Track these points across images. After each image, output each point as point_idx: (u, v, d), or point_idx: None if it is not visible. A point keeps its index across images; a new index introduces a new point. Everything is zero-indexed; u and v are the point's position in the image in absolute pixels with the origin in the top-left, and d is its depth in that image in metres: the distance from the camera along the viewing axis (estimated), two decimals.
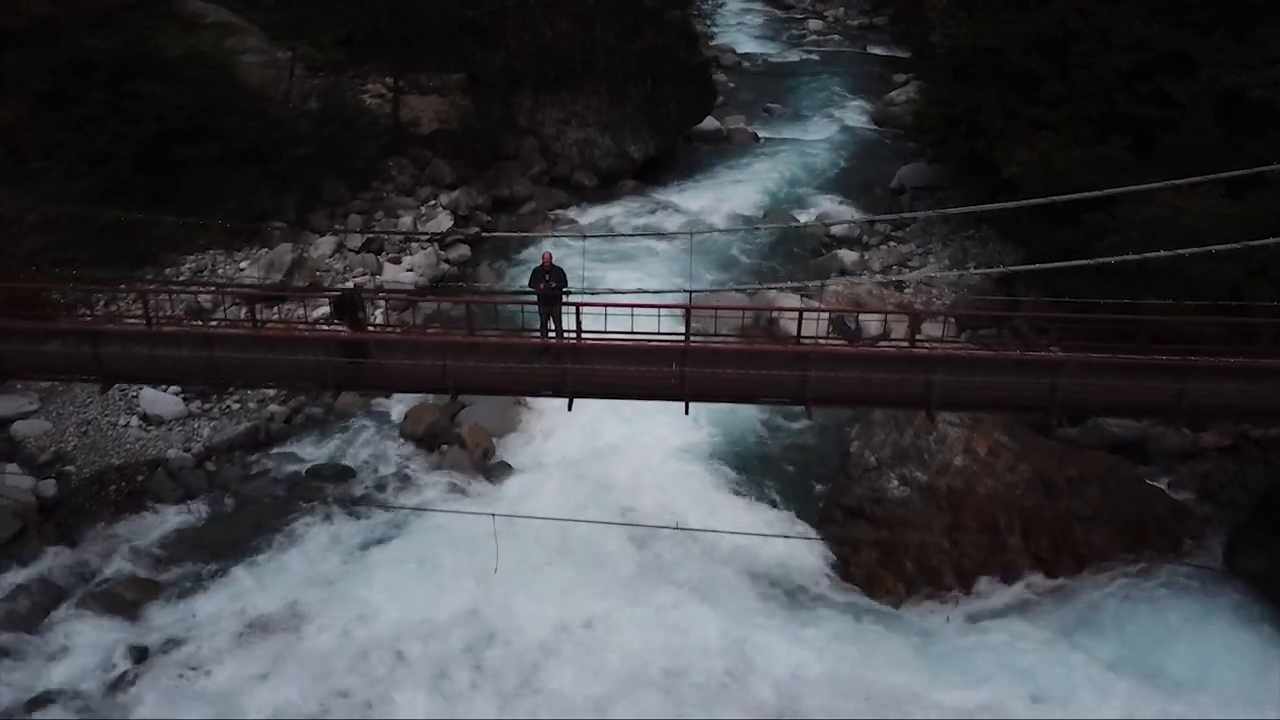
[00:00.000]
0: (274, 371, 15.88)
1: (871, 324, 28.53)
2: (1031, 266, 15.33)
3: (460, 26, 36.85)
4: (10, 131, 28.50)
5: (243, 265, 29.67)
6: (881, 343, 27.60)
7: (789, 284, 26.92)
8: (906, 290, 31.46)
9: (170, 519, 21.02)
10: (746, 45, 64.58)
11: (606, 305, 16.32)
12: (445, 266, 32.23)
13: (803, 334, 16.51)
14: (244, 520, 21.02)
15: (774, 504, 22.17)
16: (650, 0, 38.95)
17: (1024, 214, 28.09)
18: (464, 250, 33.39)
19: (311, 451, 23.20)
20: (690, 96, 41.21)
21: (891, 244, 34.80)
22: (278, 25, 39.25)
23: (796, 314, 16.05)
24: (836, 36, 66.98)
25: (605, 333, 16.65)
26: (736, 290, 28.35)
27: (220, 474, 22.41)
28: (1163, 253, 14.15)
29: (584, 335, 16.46)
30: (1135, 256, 14.40)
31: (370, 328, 16.79)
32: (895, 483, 20.94)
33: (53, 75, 28.34)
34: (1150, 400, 14.76)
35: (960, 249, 33.14)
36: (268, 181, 31.75)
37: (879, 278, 32.34)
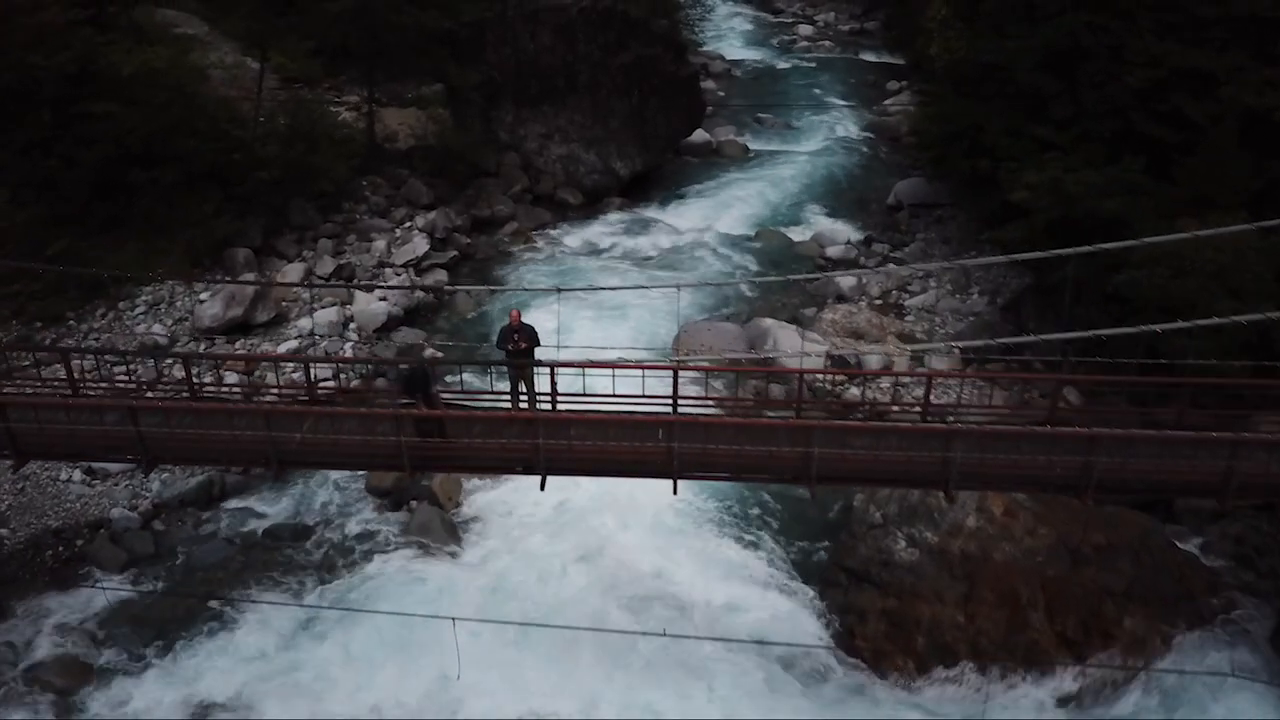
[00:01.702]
0: (210, 448, 14.09)
1: (873, 357, 26.98)
2: (1068, 336, 13.49)
3: (435, 39, 35.06)
4: None
5: (202, 297, 27.81)
6: (884, 378, 26.14)
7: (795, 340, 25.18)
8: (907, 318, 29.84)
9: (112, 590, 19.13)
10: (736, 51, 62.89)
11: (584, 366, 14.60)
12: (421, 295, 30.42)
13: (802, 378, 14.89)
14: (191, 590, 19.17)
15: (772, 562, 20.46)
16: (636, 11, 37.20)
17: (1033, 237, 26.63)
18: (440, 275, 31.58)
19: (269, 507, 21.41)
20: (678, 109, 39.50)
21: (890, 266, 33.15)
22: (249, 35, 37.54)
23: (796, 375, 14.28)
24: (827, 42, 65.38)
25: (583, 396, 14.95)
26: (730, 349, 26.61)
27: (169, 535, 20.61)
28: (1216, 320, 12.51)
29: (559, 400, 14.74)
30: (1185, 324, 12.76)
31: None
32: (903, 544, 19.26)
33: None
34: (1195, 479, 13.15)
35: (962, 272, 31.48)
36: (231, 205, 29.89)
37: (879, 301, 30.80)
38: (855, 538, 19.99)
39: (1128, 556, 17.63)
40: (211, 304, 27.08)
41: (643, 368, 14.34)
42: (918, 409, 15.07)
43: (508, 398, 15.05)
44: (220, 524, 20.97)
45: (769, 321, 28.79)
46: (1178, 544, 18.99)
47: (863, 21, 68.99)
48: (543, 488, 13.88)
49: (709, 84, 53.22)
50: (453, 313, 30.35)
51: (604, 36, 36.49)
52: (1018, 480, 13.44)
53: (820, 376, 26.07)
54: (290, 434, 13.77)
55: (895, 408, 16.15)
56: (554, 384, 14.41)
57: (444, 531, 20.25)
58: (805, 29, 68.75)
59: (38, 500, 20.78)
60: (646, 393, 14.86)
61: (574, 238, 35.35)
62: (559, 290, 14.35)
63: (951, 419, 16.34)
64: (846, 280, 31.74)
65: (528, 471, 13.87)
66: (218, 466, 19.49)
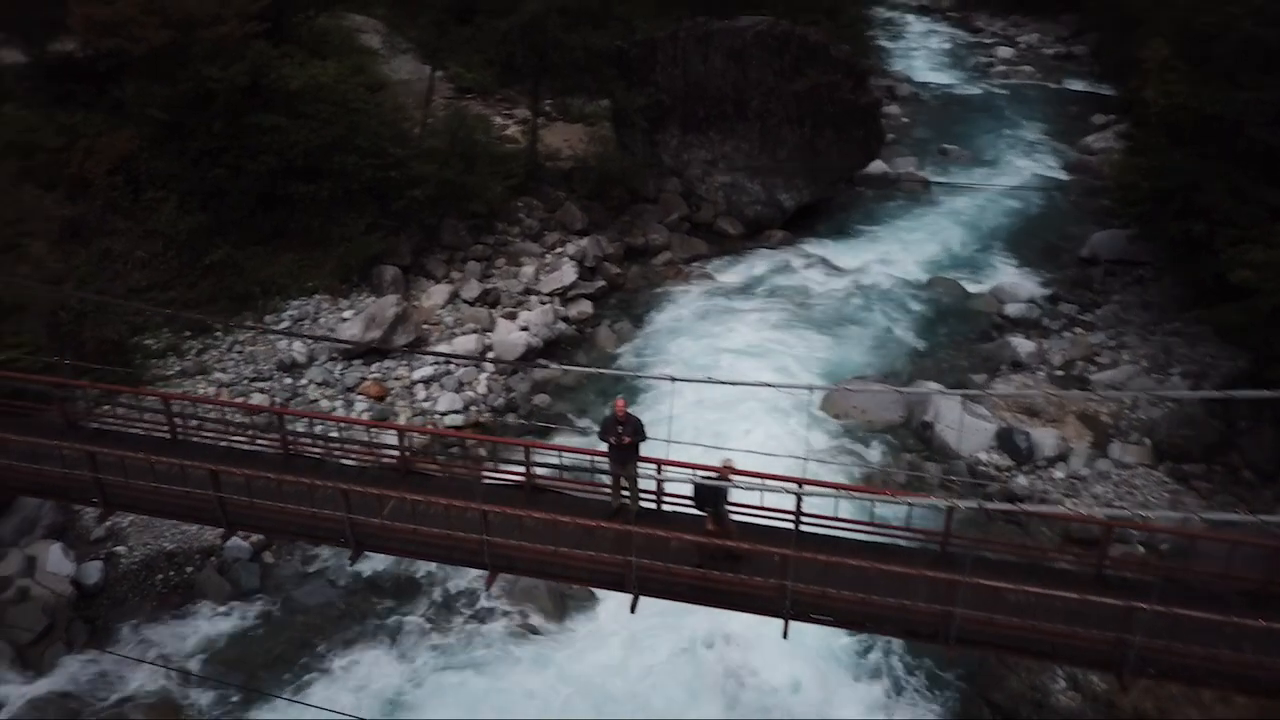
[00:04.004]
0: (290, 522, 13.22)
1: (1047, 441, 23.97)
2: None
3: (604, 59, 34.05)
4: (129, 161, 27.55)
5: (345, 315, 27.67)
6: (1056, 470, 23.14)
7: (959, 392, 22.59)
8: (1092, 396, 26.43)
9: (213, 623, 18.89)
10: (925, 73, 59.34)
11: (694, 469, 12.85)
12: (563, 326, 29.41)
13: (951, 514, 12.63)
14: (289, 634, 18.65)
15: (901, 687, 18.06)
16: (816, 35, 35.01)
17: (1255, 323, 22.97)
18: (585, 307, 30.54)
19: None
20: (854, 141, 36.96)
21: (1077, 331, 29.72)
22: (423, 45, 37.78)
23: (946, 508, 12.04)
24: (1028, 67, 60.80)
25: (690, 499, 13.19)
26: (884, 417, 24.15)
27: (276, 569, 20.20)
28: None
29: (664, 502, 13.07)
30: None
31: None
32: (1063, 684, 16.66)
33: (172, 106, 27.13)
34: None
35: (1162, 348, 27.76)
36: (385, 221, 29.69)
37: (1059, 373, 27.47)
38: (1006, 666, 17.43)
39: None
40: (352, 324, 26.84)
41: (762, 476, 12.43)
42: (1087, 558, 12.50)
43: (608, 492, 13.48)
44: (328, 562, 20.38)
45: (932, 387, 26.17)
46: None
47: (1070, 45, 63.94)
48: (633, 609, 12.24)
49: (892, 108, 50.30)
50: (593, 347, 29.17)
51: (779, 62, 34.47)
52: (1214, 676, 10.80)
53: (981, 461, 23.44)
54: (369, 517, 12.72)
55: (1066, 547, 13.55)
56: (660, 488, 12.76)
57: (549, 601, 18.90)
58: (1004, 51, 64.30)
59: (157, 521, 20.67)
60: (765, 505, 13.00)
61: (728, 273, 33.52)
62: (673, 379, 12.64)
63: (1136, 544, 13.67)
64: (1024, 345, 28.62)
65: (618, 588, 12.28)
66: (297, 540, 18.82)
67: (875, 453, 24.12)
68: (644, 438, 12.89)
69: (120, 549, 20.22)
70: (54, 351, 21.21)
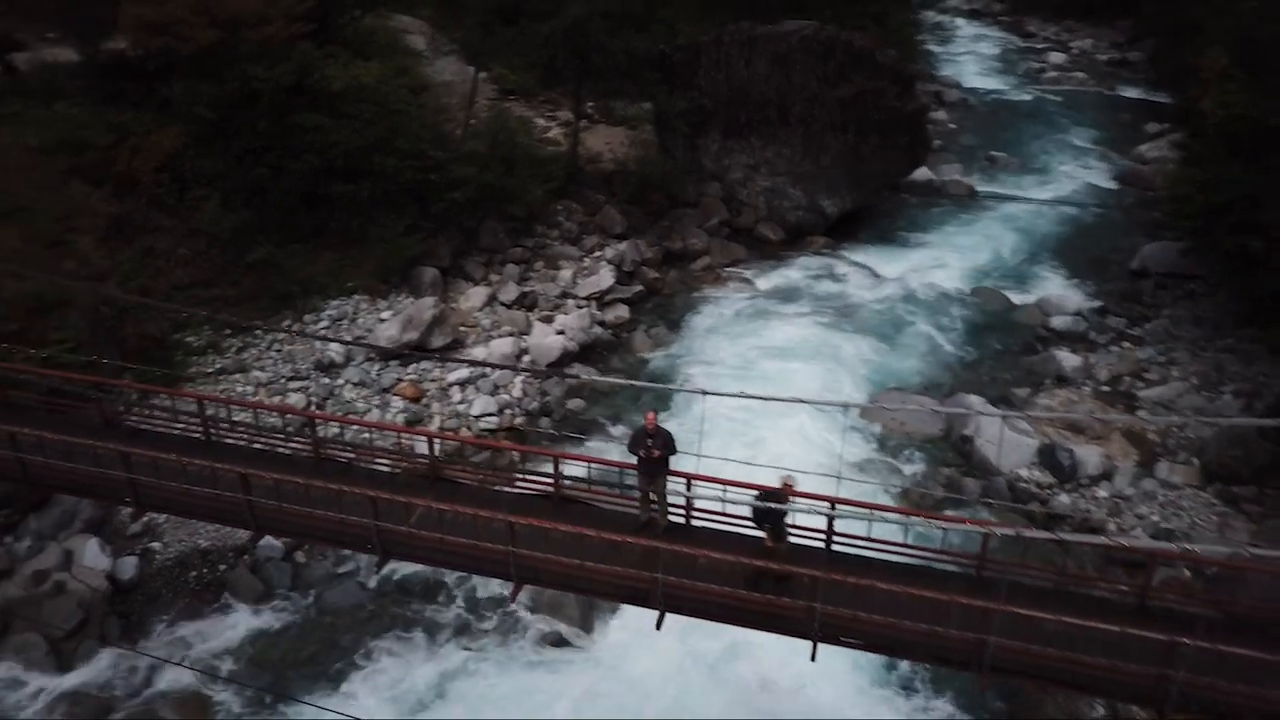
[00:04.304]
0: (318, 527, 13.20)
1: (1091, 459, 23.39)
2: None
3: (646, 62, 33.89)
4: (175, 159, 27.88)
5: (384, 316, 27.75)
6: (1100, 489, 22.55)
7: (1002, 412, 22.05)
8: (1139, 412, 25.77)
9: (243, 621, 18.99)
10: (974, 79, 58.53)
11: (725, 484, 12.63)
12: (599, 330, 29.28)
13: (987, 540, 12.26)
14: (318, 635, 18.69)
15: (933, 702, 17.68)
16: (862, 41, 34.55)
17: None
18: (622, 311, 30.39)
19: None
20: (899, 147, 36.41)
21: (1125, 346, 28.99)
22: (467, 47, 37.90)
23: (983, 532, 11.68)
24: (1081, 73, 59.71)
25: (721, 516, 12.99)
26: (924, 429, 23.66)
27: (307, 569, 20.25)
28: None
29: (693, 516, 12.86)
30: None
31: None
32: (1102, 712, 16.11)
33: (219, 104, 27.42)
34: None
35: (1214, 365, 26.99)
36: (425, 223, 29.75)
37: (1105, 390, 26.80)
38: (1042, 691, 16.96)
39: None
40: (390, 325, 26.91)
41: (793, 494, 12.18)
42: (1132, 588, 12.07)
43: (636, 504, 13.30)
44: (359, 564, 20.39)
45: (973, 400, 25.67)
46: None
47: (1124, 51, 62.71)
48: (659, 626, 12.06)
49: (939, 114, 49.69)
50: (629, 351, 29.00)
51: (824, 67, 34.08)
52: (1262, 717, 10.36)
53: (1022, 477, 22.93)
54: (396, 525, 12.65)
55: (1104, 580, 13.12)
56: (690, 504, 12.56)
57: (576, 611, 18.75)
58: (1056, 57, 63.24)
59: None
60: (797, 524, 12.74)
61: (767, 279, 33.17)
62: (704, 393, 12.45)
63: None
64: (1070, 359, 27.97)
65: (643, 604, 12.09)
66: (326, 546, 18.86)
67: (913, 466, 23.71)
68: (674, 451, 12.69)
69: (155, 545, 20.41)
70: (96, 348, 21.50)
